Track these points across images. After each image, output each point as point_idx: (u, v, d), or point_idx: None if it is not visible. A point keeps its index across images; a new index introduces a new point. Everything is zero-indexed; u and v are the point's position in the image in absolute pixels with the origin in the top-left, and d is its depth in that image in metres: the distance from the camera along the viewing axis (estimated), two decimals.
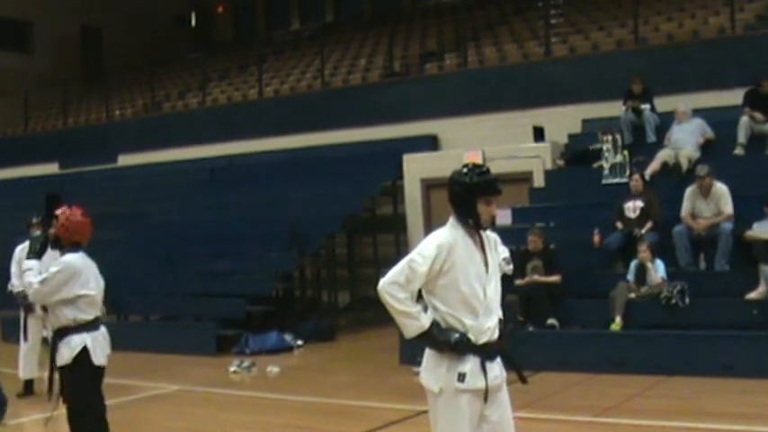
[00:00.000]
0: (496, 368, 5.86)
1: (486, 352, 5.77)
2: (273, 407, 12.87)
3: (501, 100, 22.42)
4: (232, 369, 15.64)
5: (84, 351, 8.02)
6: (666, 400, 11.72)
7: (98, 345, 8.12)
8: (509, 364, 5.96)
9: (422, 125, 23.59)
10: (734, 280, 13.99)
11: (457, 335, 5.70)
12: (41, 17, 38.97)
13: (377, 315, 19.25)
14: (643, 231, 14.99)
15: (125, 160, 30.50)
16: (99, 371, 8.21)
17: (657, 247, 14.52)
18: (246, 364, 15.82)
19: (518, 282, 14.72)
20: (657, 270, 14.15)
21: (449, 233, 5.85)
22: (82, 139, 32.37)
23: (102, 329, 8.28)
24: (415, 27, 31.74)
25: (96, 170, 30.59)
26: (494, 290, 5.87)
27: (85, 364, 8.05)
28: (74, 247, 8.32)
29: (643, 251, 14.25)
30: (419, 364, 13.49)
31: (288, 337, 17.95)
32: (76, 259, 8.19)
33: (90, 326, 8.12)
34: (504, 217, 16.65)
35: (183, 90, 33.27)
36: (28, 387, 13.74)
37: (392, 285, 5.73)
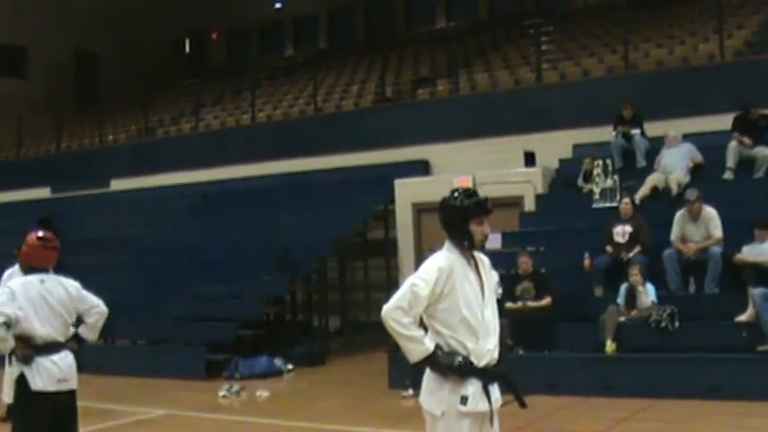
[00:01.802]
0: (497, 391, 5.88)
1: (487, 375, 5.80)
2: None
3: (492, 125, 22.47)
4: (221, 393, 15.58)
5: (22, 375, 7.92)
6: (657, 424, 11.72)
7: (38, 370, 7.94)
8: (507, 387, 5.96)
9: (413, 150, 23.63)
10: (723, 303, 14.01)
11: (460, 358, 5.73)
12: (35, 42, 38.98)
13: (367, 339, 19.33)
14: (630, 255, 15.01)
15: (117, 185, 30.48)
16: (40, 397, 7.96)
17: (647, 270, 14.53)
18: (236, 388, 15.78)
19: (509, 305, 14.74)
20: (648, 293, 14.16)
21: (446, 256, 5.90)
22: (75, 163, 32.37)
23: (56, 355, 8.16)
24: (407, 53, 31.86)
25: (89, 195, 30.59)
26: (491, 312, 5.93)
27: (24, 389, 7.92)
28: (30, 270, 8.27)
29: (634, 275, 14.26)
30: (408, 388, 13.56)
31: (278, 362, 17.91)
32: (16, 283, 8.13)
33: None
34: (494, 241, 16.64)
35: (177, 115, 33.30)
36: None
37: (396, 311, 5.73)
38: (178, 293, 20.79)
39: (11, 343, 7.83)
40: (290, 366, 17.97)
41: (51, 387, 7.89)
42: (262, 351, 18.11)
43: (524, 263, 15.30)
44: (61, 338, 8.13)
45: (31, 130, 36.09)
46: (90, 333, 8.48)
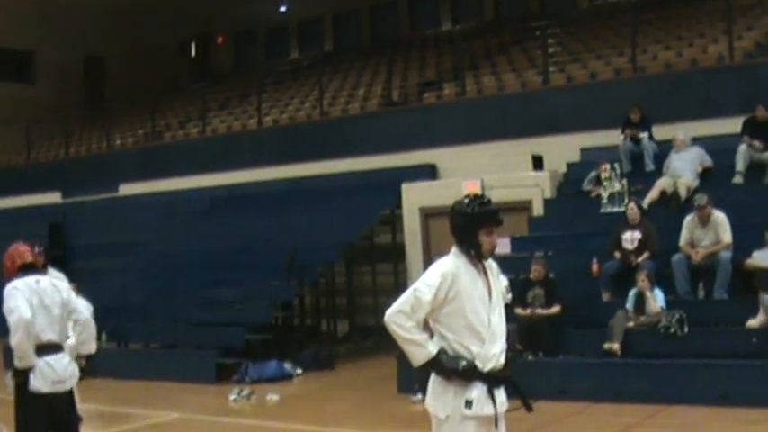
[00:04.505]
0: (503, 395, 5.89)
1: (492, 379, 5.81)
2: None
3: (500, 129, 22.45)
4: (231, 397, 15.64)
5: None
6: (666, 430, 11.75)
7: (35, 371, 7.97)
8: (514, 392, 5.97)
9: (420, 154, 23.62)
10: (733, 308, 14.01)
11: (464, 362, 5.74)
12: (43, 47, 39.12)
13: (375, 344, 19.35)
14: (639, 261, 15.00)
15: (126, 189, 30.55)
16: (38, 398, 8.01)
17: (656, 275, 14.52)
18: (246, 392, 15.83)
19: (519, 311, 14.75)
20: (656, 299, 14.14)
21: (452, 262, 5.90)
22: (84, 168, 32.44)
23: (53, 356, 8.15)
24: (413, 56, 31.86)
25: (98, 200, 30.66)
26: (498, 317, 5.93)
27: (23, 390, 7.95)
28: (24, 272, 8.29)
29: (642, 280, 14.25)
30: (416, 392, 13.57)
31: (287, 366, 17.95)
32: (18, 284, 8.13)
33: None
34: (503, 246, 16.65)
35: (184, 119, 33.35)
36: None
37: (398, 315, 5.76)
38: (188, 298, 20.81)
39: (33, 359, 7.87)
40: (299, 370, 18.02)
41: (47, 389, 7.93)
42: (271, 355, 18.15)
43: (537, 270, 15.29)
44: (58, 339, 8.15)
45: (40, 135, 36.19)
46: (89, 346, 8.50)
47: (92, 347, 8.49)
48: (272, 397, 15.50)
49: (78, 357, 8.37)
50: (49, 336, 8.04)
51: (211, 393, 16.50)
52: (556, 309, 14.95)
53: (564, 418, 12.41)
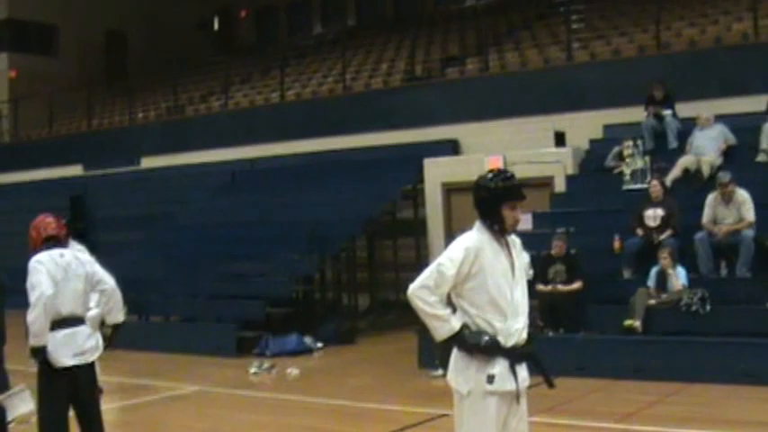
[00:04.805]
0: (524, 371, 5.89)
1: (514, 354, 5.80)
2: (292, 408, 12.89)
3: (522, 105, 22.39)
4: (252, 370, 15.69)
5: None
6: (686, 408, 11.69)
7: (56, 345, 7.99)
8: (536, 368, 5.97)
9: (443, 130, 23.59)
10: (755, 287, 13.94)
11: (486, 337, 5.72)
12: (67, 21, 39.23)
13: (397, 318, 19.37)
14: (661, 238, 14.96)
15: (148, 163, 30.63)
16: (59, 371, 7.93)
17: (678, 253, 14.47)
18: (266, 365, 15.87)
19: (540, 287, 14.74)
20: (678, 277, 14.10)
21: (476, 237, 5.87)
22: (106, 141, 32.54)
23: (74, 328, 8.12)
24: (436, 31, 31.72)
25: (120, 172, 30.75)
26: (521, 292, 5.91)
27: (44, 364, 7.97)
28: (48, 245, 8.31)
29: (664, 258, 14.21)
30: (437, 367, 13.58)
31: (308, 340, 17.99)
32: (42, 257, 8.14)
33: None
34: (524, 222, 16.59)
35: (206, 93, 33.36)
36: None
37: (421, 289, 5.75)
38: (209, 271, 20.88)
39: (46, 338, 7.88)
40: (319, 344, 18.05)
41: (70, 361, 7.95)
42: (292, 329, 18.16)
43: (558, 246, 15.27)
44: (80, 313, 8.17)
45: (63, 108, 36.29)
46: (116, 315, 8.52)
47: (119, 317, 8.51)
48: (293, 371, 15.51)
49: (104, 327, 8.39)
50: (71, 309, 8.05)
51: (232, 366, 16.52)
52: (577, 285, 14.94)
53: (584, 395, 12.40)
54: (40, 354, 7.87)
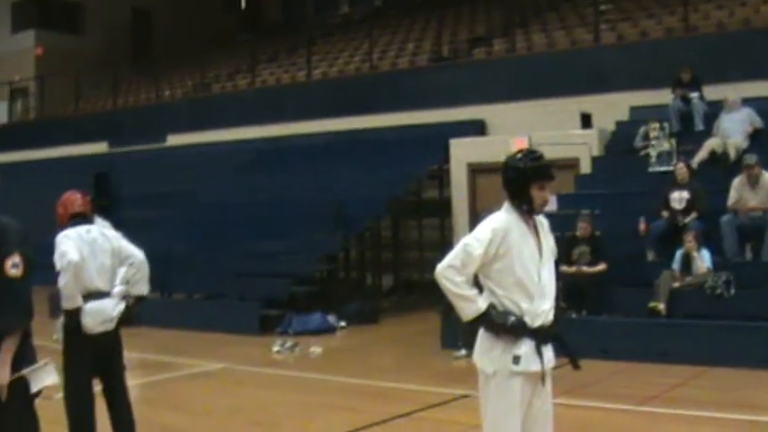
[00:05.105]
0: (550, 352, 5.88)
1: (540, 335, 5.78)
2: (315, 387, 12.93)
3: (549, 86, 22.34)
4: (275, 349, 15.71)
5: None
6: (709, 391, 11.66)
7: (84, 314, 8.04)
8: (562, 349, 5.96)
9: (469, 110, 23.56)
10: None
11: (513, 318, 5.71)
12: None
13: (420, 299, 19.39)
14: (687, 221, 14.90)
15: (174, 140, 30.73)
16: (90, 342, 8.01)
17: (703, 236, 14.41)
18: (289, 344, 15.89)
19: (564, 269, 14.71)
20: (703, 259, 14.05)
21: (504, 217, 5.86)
22: (131, 119, 32.67)
23: (102, 300, 8.11)
24: (463, 12, 31.64)
25: (145, 150, 30.85)
26: (548, 274, 5.89)
27: (71, 331, 8.01)
28: (74, 222, 8.35)
29: (689, 240, 14.16)
30: (460, 348, 13.58)
31: (331, 319, 18.01)
32: (68, 233, 8.18)
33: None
34: (549, 203, 16.55)
35: (233, 72, 33.41)
36: None
37: (448, 269, 5.73)
38: (233, 249, 20.91)
39: (79, 299, 7.93)
40: (342, 323, 18.07)
41: (98, 328, 8.00)
42: (315, 308, 18.20)
43: (583, 227, 15.24)
44: (106, 288, 8.21)
45: (89, 86, 36.43)
46: (141, 287, 8.56)
47: (143, 289, 8.54)
48: (316, 349, 15.55)
49: (127, 297, 8.43)
50: (98, 284, 8.09)
51: (255, 344, 16.57)
52: (601, 267, 14.91)
53: (607, 377, 12.38)
54: (74, 316, 7.93)
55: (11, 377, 5.72)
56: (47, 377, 6.00)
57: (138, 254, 8.48)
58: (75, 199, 8.54)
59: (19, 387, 5.79)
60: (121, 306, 8.26)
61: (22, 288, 5.80)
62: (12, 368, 5.73)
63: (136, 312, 8.55)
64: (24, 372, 5.81)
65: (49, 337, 7.93)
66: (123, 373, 8.51)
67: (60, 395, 7.97)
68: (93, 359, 8.08)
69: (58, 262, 7.95)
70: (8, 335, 5.71)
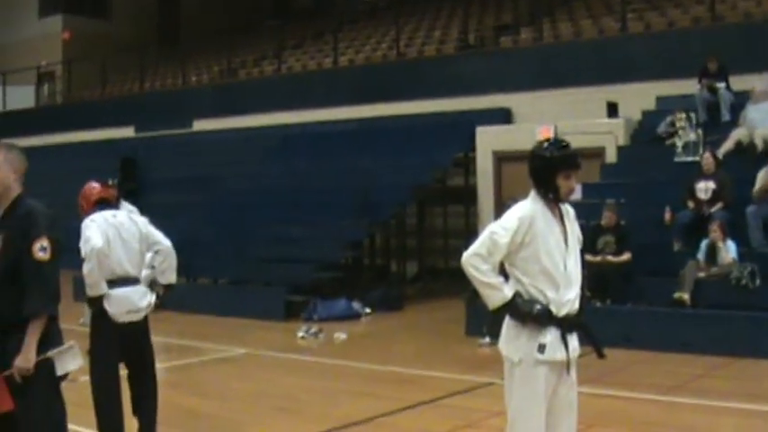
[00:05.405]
0: (575, 341, 5.91)
1: (566, 324, 5.80)
2: (339, 373, 12.98)
3: (575, 75, 22.29)
4: (300, 334, 15.77)
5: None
6: (732, 382, 11.65)
7: (111, 302, 8.03)
8: (586, 338, 5.98)
9: (495, 98, 23.54)
10: None
11: (539, 306, 5.73)
12: None
13: (445, 286, 19.41)
14: (712, 211, 14.86)
15: (200, 125, 30.80)
16: (116, 329, 8.03)
17: (729, 226, 14.37)
18: (314, 330, 15.95)
19: (589, 258, 14.69)
20: (728, 250, 14.01)
21: (530, 206, 5.88)
22: (158, 103, 32.77)
23: (130, 287, 8.12)
24: (490, 0, 31.57)
25: (171, 135, 30.96)
26: (573, 262, 5.90)
27: (98, 319, 8.07)
28: (100, 207, 8.40)
29: (714, 231, 14.12)
30: (484, 336, 13.61)
31: (356, 305, 18.06)
32: (95, 217, 8.22)
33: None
34: (575, 192, 16.56)
35: (259, 57, 33.46)
36: None
37: (474, 257, 5.76)
38: (258, 234, 20.98)
39: (103, 286, 7.97)
40: (367, 310, 18.12)
41: (123, 318, 8.04)
42: (340, 294, 18.26)
43: (608, 217, 15.23)
44: (135, 273, 8.25)
45: (116, 71, 36.55)
46: (169, 275, 8.60)
47: (172, 277, 8.57)
48: (340, 336, 15.61)
49: (156, 286, 8.48)
50: (126, 268, 8.13)
51: (280, 330, 16.65)
52: (626, 256, 14.90)
53: (630, 366, 12.38)
54: (96, 304, 7.99)
55: (37, 359, 5.78)
56: (72, 360, 6.06)
57: (164, 241, 8.51)
58: (93, 188, 8.60)
59: (45, 369, 5.85)
60: (150, 297, 8.31)
61: (49, 272, 5.86)
62: (38, 351, 5.80)
63: (166, 299, 8.61)
64: (50, 354, 5.87)
65: (75, 320, 8.01)
66: (152, 359, 8.55)
67: (86, 378, 8.04)
68: (120, 345, 8.14)
69: (83, 248, 8.00)
70: (35, 318, 5.78)
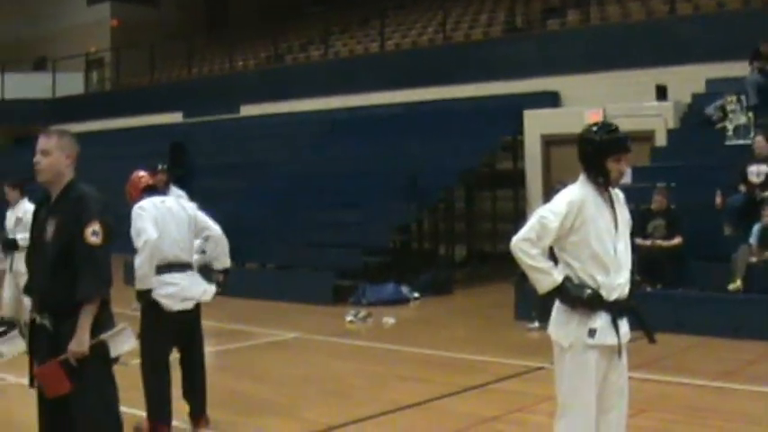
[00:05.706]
0: (626, 326, 5.88)
1: (616, 309, 5.78)
2: (388, 357, 13.00)
3: (623, 57, 22.13)
4: (348, 319, 15.79)
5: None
6: None
7: (162, 290, 8.10)
8: (638, 322, 5.94)
9: (543, 81, 23.44)
10: None
11: (589, 290, 5.72)
12: None
13: (493, 270, 19.35)
14: (765, 195, 14.70)
15: (247, 111, 30.91)
16: (168, 317, 8.15)
17: None
18: (362, 314, 15.96)
19: (639, 242, 14.60)
20: None
21: (579, 190, 5.86)
22: (206, 89, 32.92)
23: (181, 273, 8.24)
24: None
25: (219, 120, 31.08)
26: (623, 247, 5.89)
27: (149, 307, 8.14)
28: (149, 193, 8.46)
29: (767, 215, 14.00)
30: (533, 320, 13.56)
31: (404, 289, 18.03)
32: (145, 203, 8.26)
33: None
34: (625, 176, 16.45)
35: (305, 42, 33.50)
36: None
37: (524, 242, 5.75)
38: (306, 219, 20.99)
39: (152, 281, 8.01)
40: (416, 294, 18.08)
41: (176, 306, 8.09)
42: (388, 278, 18.25)
43: (659, 200, 15.12)
44: (186, 258, 8.29)
45: (164, 57, 36.76)
46: (223, 260, 8.65)
47: (226, 262, 8.63)
48: (389, 320, 15.61)
49: (214, 272, 8.52)
50: (177, 253, 8.17)
51: (328, 314, 16.66)
52: (677, 241, 14.79)
53: (681, 352, 12.30)
54: (144, 297, 8.03)
55: (90, 343, 5.82)
56: (125, 342, 6.11)
57: (215, 227, 8.56)
58: (140, 176, 8.67)
59: (98, 352, 5.90)
60: (204, 285, 8.36)
61: (101, 256, 5.89)
62: (91, 334, 5.84)
63: (226, 284, 8.66)
64: (103, 336, 5.92)
65: (126, 305, 8.01)
66: (202, 343, 8.61)
67: (137, 362, 8.10)
68: (171, 329, 8.19)
69: (136, 240, 8.04)
70: (87, 302, 5.81)
